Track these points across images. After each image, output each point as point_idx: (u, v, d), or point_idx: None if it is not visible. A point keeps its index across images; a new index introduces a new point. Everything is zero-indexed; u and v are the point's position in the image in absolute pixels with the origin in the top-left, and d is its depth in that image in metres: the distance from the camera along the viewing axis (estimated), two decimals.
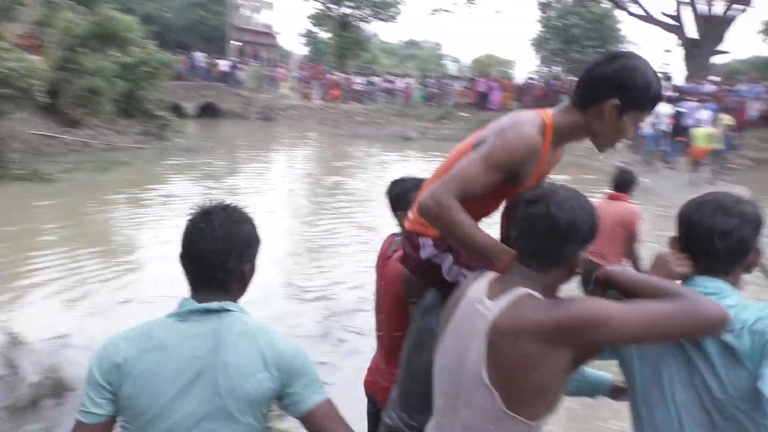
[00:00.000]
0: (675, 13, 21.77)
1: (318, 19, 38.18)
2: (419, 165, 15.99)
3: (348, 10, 35.73)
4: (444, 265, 1.67)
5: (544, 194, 1.33)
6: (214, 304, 1.35)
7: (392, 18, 36.79)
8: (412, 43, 67.81)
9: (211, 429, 1.31)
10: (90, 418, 1.32)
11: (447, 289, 1.59)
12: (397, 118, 24.60)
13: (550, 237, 1.31)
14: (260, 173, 14.25)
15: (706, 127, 13.20)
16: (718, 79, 18.86)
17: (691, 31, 21.41)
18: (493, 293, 1.34)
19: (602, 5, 29.60)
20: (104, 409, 1.32)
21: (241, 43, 41.42)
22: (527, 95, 22.73)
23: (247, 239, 1.42)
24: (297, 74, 30.61)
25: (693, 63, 21.57)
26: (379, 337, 2.38)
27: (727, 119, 13.66)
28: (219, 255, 1.36)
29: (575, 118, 1.56)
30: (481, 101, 23.55)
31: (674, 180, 13.16)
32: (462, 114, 23.89)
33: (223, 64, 29.31)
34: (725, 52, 24.24)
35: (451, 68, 60.03)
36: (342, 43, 35.95)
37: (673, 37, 22.94)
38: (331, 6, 35.65)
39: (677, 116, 14.91)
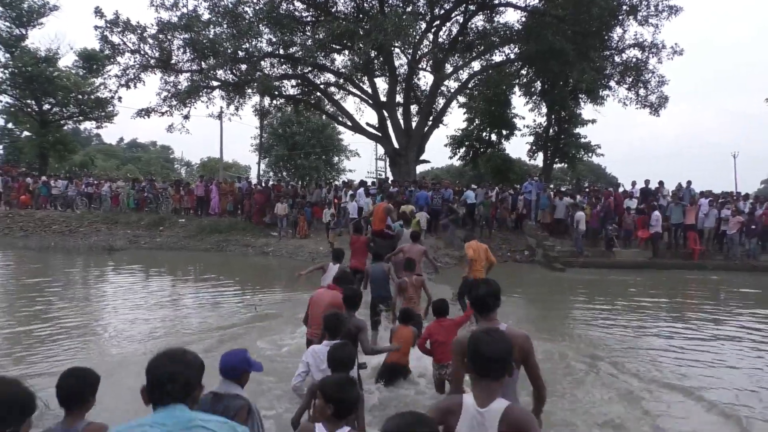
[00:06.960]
0: (377, 125, 23.79)
1: (11, 116, 33.16)
2: (124, 280, 13.74)
3: (49, 107, 31.77)
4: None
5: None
6: None
7: (106, 118, 33.71)
8: (135, 145, 63.83)
9: None
10: None
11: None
12: (104, 226, 21.76)
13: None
14: None
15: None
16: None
17: (395, 141, 23.54)
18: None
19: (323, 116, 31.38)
20: None
21: None
22: (249, 200, 22.04)
23: None
24: None
25: (397, 170, 23.59)
26: None
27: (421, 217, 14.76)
28: None
29: None
30: (199, 206, 22.16)
31: None
32: (180, 220, 22.20)
33: None
34: (426, 162, 27.37)
35: (182, 172, 58.03)
36: (43, 143, 31.57)
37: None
38: (28, 102, 31.35)
39: None
